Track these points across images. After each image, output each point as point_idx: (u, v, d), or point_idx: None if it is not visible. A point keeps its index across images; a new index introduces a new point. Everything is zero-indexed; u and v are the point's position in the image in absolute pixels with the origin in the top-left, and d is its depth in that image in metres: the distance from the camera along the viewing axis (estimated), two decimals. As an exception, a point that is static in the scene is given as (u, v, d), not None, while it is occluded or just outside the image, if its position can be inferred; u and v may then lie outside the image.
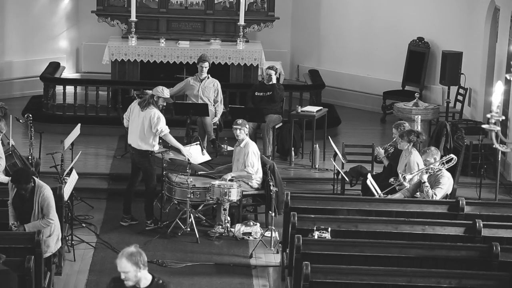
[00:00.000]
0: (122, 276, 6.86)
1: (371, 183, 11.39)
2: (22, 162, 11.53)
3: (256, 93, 14.14)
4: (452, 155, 11.34)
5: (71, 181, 11.15)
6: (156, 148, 11.83)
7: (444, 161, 11.24)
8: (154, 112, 11.68)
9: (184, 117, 13.93)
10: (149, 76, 15.70)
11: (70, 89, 15.34)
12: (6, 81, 16.74)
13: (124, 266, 6.83)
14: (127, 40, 15.95)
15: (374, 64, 16.86)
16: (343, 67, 17.16)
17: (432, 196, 11.04)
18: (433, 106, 14.75)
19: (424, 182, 11.08)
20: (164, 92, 11.83)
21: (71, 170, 11.43)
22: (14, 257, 8.78)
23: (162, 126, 11.70)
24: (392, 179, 11.45)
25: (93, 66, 17.07)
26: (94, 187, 12.98)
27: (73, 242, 11.13)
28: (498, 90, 7.04)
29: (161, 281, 6.97)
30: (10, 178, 9.85)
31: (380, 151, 12.24)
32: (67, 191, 10.83)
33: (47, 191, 9.87)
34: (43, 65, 16.20)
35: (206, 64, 14.03)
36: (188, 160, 11.88)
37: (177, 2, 16.53)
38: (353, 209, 10.78)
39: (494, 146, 7.44)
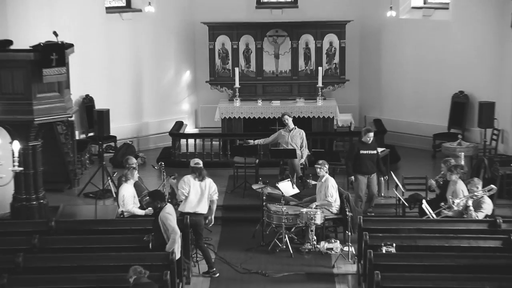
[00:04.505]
0: None
1: (426, 207, 11.23)
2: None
3: (361, 152, 12.64)
4: (492, 186, 11.11)
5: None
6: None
7: (486, 190, 11.04)
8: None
9: (278, 160, 14.00)
10: (250, 129, 15.78)
11: (191, 141, 15.51)
12: (145, 137, 16.93)
13: None
14: (232, 102, 16.09)
15: (425, 112, 16.61)
16: (400, 116, 16.94)
17: (475, 218, 10.82)
18: (473, 144, 14.51)
19: (469, 206, 10.89)
20: (194, 161, 11.15)
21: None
22: (155, 272, 8.92)
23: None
24: (442, 203, 11.29)
25: (208, 122, 17.16)
26: (212, 216, 13.10)
27: (197, 258, 11.24)
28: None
29: None
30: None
31: (433, 182, 12.08)
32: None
33: (165, 211, 9.80)
34: (171, 124, 16.41)
35: (286, 117, 13.93)
36: (282, 193, 11.91)
37: (270, 71, 16.62)
38: (413, 228, 10.65)
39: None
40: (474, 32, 15.75)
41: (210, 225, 11.25)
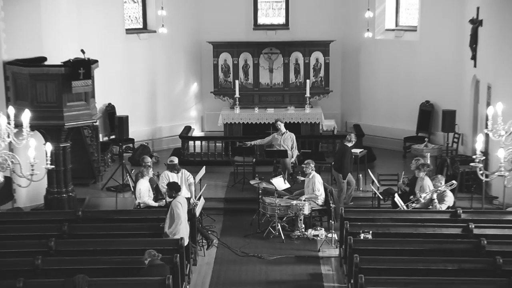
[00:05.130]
0: None
1: (398, 200, 11.26)
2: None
3: (353, 154, 12.92)
4: (453, 181, 11.16)
5: (201, 203, 11.28)
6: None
7: (448, 185, 11.09)
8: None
9: (272, 159, 13.99)
10: (248, 132, 15.69)
11: (198, 143, 15.45)
12: (158, 139, 16.85)
13: None
14: (233, 109, 16.06)
15: (396, 118, 16.59)
16: (376, 121, 16.92)
17: (439, 209, 10.88)
18: (437, 146, 14.46)
19: (434, 199, 10.94)
20: (170, 159, 11.64)
21: (200, 196, 11.57)
22: (166, 255, 8.94)
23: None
24: (412, 197, 11.33)
25: (212, 127, 17.11)
26: (215, 207, 12.94)
27: (203, 243, 11.21)
28: (480, 140, 7.01)
29: None
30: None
31: (401, 184, 11.99)
32: (198, 210, 11.01)
33: (177, 200, 9.72)
34: (181, 128, 16.37)
35: (279, 122, 13.95)
36: (275, 188, 11.92)
37: (265, 83, 16.58)
38: (386, 218, 10.67)
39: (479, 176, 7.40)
40: (438, 51, 15.79)
41: (195, 204, 11.26)
